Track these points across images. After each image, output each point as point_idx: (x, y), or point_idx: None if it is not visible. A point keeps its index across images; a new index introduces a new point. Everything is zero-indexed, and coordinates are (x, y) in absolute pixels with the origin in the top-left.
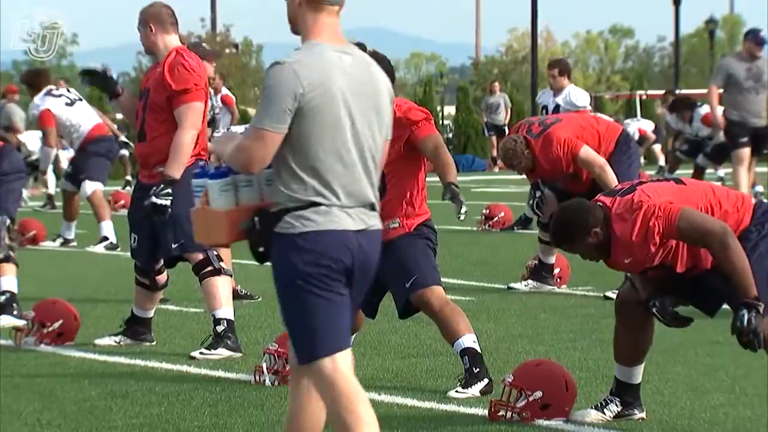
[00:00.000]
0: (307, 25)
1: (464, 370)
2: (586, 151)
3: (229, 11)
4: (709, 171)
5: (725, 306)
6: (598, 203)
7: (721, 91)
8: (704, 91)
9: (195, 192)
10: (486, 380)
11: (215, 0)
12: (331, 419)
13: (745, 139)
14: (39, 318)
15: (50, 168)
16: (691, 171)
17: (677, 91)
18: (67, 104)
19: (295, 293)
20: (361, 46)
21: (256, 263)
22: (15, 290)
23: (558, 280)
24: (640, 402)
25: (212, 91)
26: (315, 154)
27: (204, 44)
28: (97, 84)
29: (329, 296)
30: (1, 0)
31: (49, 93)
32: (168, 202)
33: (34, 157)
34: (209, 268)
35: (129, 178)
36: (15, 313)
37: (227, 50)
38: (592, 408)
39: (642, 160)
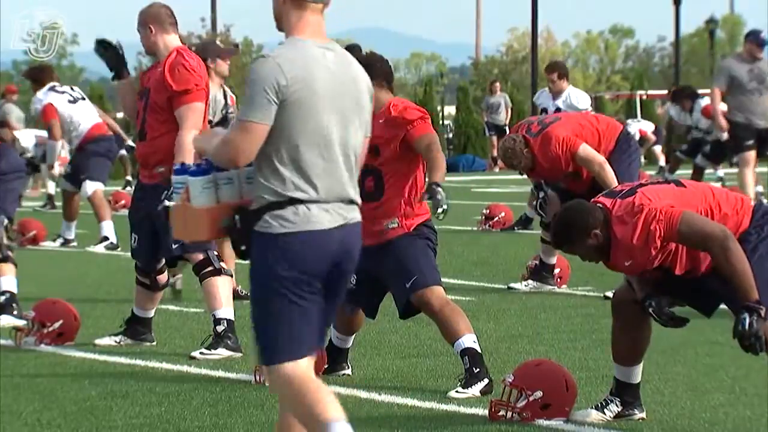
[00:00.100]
0: (291, 22)
1: (464, 370)
2: (585, 149)
3: (229, 11)
4: (708, 171)
5: (724, 306)
6: (599, 205)
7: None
8: (705, 91)
9: (175, 188)
10: (486, 380)
11: (215, 0)
12: (301, 421)
13: (750, 142)
14: (39, 318)
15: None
16: (691, 171)
17: None
18: (69, 101)
19: (268, 295)
20: (357, 48)
21: None
22: (15, 290)
23: (558, 280)
24: (640, 402)
25: (228, 90)
26: (296, 148)
27: (219, 42)
28: (109, 58)
29: (301, 302)
30: (1, 0)
31: (52, 89)
32: None
33: (28, 155)
34: (209, 268)
35: (129, 178)
36: (15, 313)
37: None
38: (592, 408)
39: (642, 161)
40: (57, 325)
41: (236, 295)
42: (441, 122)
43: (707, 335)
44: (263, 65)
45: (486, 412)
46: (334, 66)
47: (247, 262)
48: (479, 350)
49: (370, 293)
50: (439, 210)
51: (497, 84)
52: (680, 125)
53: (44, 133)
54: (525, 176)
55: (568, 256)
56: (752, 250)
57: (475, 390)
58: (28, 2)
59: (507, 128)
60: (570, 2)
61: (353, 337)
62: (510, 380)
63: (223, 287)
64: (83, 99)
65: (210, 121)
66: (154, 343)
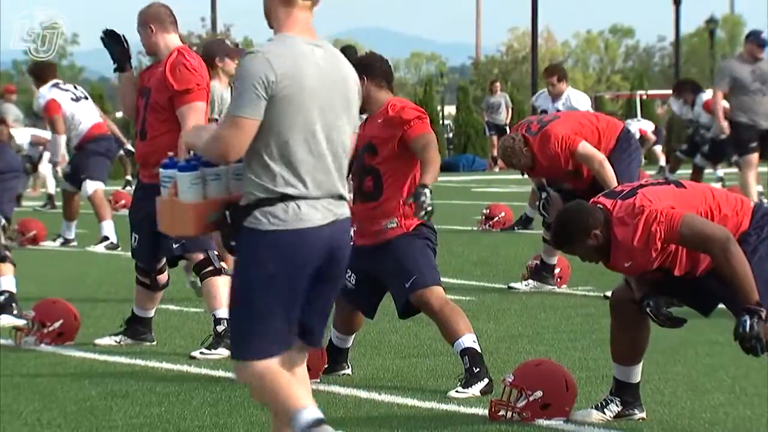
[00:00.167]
0: (280, 19)
1: (464, 370)
2: (584, 146)
3: (229, 11)
4: (708, 171)
5: (723, 306)
6: (599, 205)
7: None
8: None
9: (163, 182)
10: (486, 380)
11: (215, 0)
12: (272, 410)
13: (755, 144)
14: (39, 318)
15: (50, 168)
16: (690, 171)
17: None
18: (72, 99)
19: (251, 291)
20: (351, 50)
21: None
22: (13, 290)
23: (558, 280)
24: (640, 402)
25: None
26: (286, 144)
27: (228, 41)
28: (113, 49)
29: (283, 300)
30: (1, 0)
31: (56, 85)
32: None
33: (23, 153)
34: (210, 268)
35: (129, 177)
36: (14, 312)
37: None
38: (592, 408)
39: (642, 160)
40: (57, 324)
41: None
42: (441, 122)
43: (707, 335)
44: (253, 61)
45: (486, 411)
46: (322, 62)
47: None
48: (479, 350)
49: (369, 293)
50: (422, 213)
51: (497, 84)
52: (681, 124)
53: (40, 133)
54: (525, 176)
55: (568, 256)
56: (752, 251)
57: (475, 390)
58: (28, 2)
59: (507, 128)
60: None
61: (353, 336)
62: (510, 380)
63: (223, 287)
64: (86, 98)
65: (215, 120)
66: (154, 343)
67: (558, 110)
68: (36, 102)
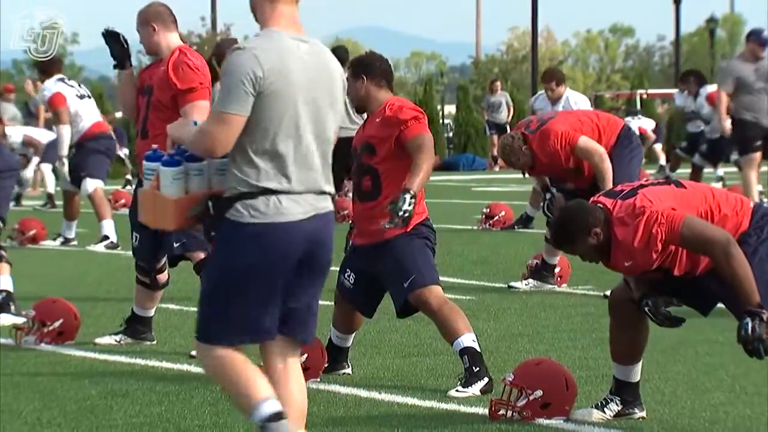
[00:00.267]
0: (266, 14)
1: (464, 369)
2: (585, 141)
3: (229, 10)
4: (709, 170)
5: (723, 305)
6: (599, 205)
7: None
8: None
9: (146, 174)
10: (486, 379)
11: None
12: (232, 400)
13: (759, 143)
14: (39, 317)
15: (49, 168)
16: (690, 170)
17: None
18: (77, 96)
19: (226, 280)
20: (342, 50)
21: None
22: (11, 289)
23: (558, 279)
24: (640, 401)
25: None
26: (272, 139)
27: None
28: (113, 47)
29: (256, 293)
30: (1, 0)
31: (62, 80)
32: None
33: (15, 151)
34: None
35: (129, 177)
36: (13, 311)
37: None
38: (592, 407)
39: (642, 158)
40: (57, 324)
41: None
42: (441, 121)
43: (707, 334)
44: (240, 57)
45: (486, 411)
46: (308, 57)
47: None
48: (479, 349)
49: (368, 293)
50: (395, 220)
51: (498, 83)
52: (681, 123)
53: (33, 133)
54: (527, 176)
55: (568, 255)
56: (752, 253)
57: (475, 389)
58: (28, 2)
59: (508, 127)
60: (570, 1)
61: (353, 335)
62: (510, 379)
63: None
64: (89, 97)
65: None
66: (154, 342)
67: None
68: (41, 94)
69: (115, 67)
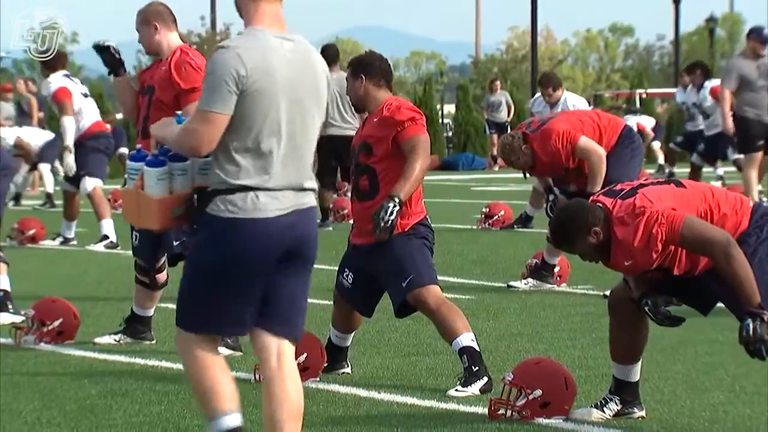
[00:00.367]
0: (249, 13)
1: (463, 369)
2: (586, 141)
3: (229, 10)
4: (709, 169)
5: (722, 304)
6: (598, 204)
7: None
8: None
9: (130, 174)
10: (485, 378)
11: None
12: (194, 395)
13: (761, 142)
14: (39, 316)
15: (48, 167)
16: (689, 169)
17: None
18: (82, 94)
19: (203, 272)
20: (332, 49)
21: None
22: (8, 288)
23: (558, 278)
24: (639, 400)
25: None
26: (254, 137)
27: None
28: (105, 59)
29: (232, 287)
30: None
31: (67, 76)
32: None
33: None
34: None
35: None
36: (11, 310)
37: None
38: (591, 406)
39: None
40: (57, 323)
41: None
42: (441, 121)
43: (707, 333)
44: (223, 56)
45: (485, 410)
46: (291, 55)
47: None
48: (478, 348)
49: (367, 293)
50: (376, 231)
51: (497, 82)
52: (681, 121)
53: (27, 135)
54: (527, 176)
55: (568, 255)
56: (752, 253)
57: (475, 388)
58: (28, 2)
59: (508, 126)
60: (570, 1)
61: (352, 335)
62: (509, 379)
63: None
64: (90, 97)
65: None
66: (154, 342)
67: None
68: (47, 86)
69: (109, 73)
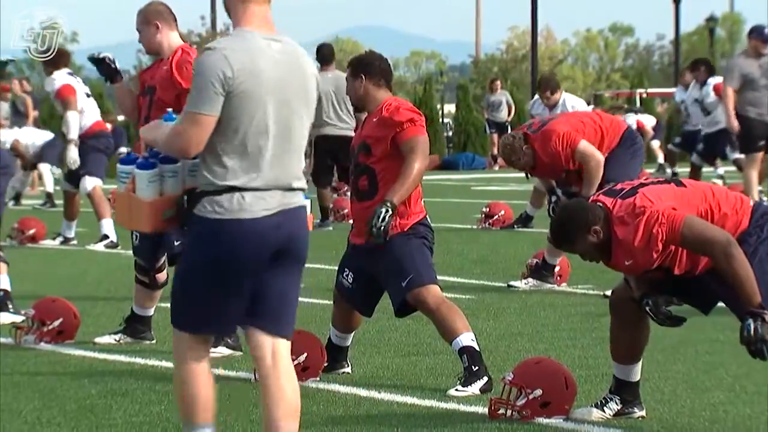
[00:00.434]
0: (238, 14)
1: (463, 369)
2: (585, 145)
3: None
4: (709, 169)
5: (722, 304)
6: (598, 203)
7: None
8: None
9: (121, 177)
10: (485, 378)
11: None
12: (175, 390)
13: (763, 143)
14: (39, 316)
15: (47, 167)
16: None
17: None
18: (86, 94)
19: (192, 272)
20: (327, 48)
21: None
22: (8, 288)
23: (558, 278)
24: (639, 400)
25: None
26: (241, 138)
27: None
28: (101, 69)
29: (218, 286)
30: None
31: (71, 74)
32: None
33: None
34: None
35: None
36: (11, 309)
37: None
38: (592, 406)
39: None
40: (57, 323)
41: None
42: (441, 120)
43: (707, 333)
44: (210, 57)
45: (486, 410)
46: (279, 56)
47: None
48: (478, 348)
49: (367, 292)
50: (369, 237)
51: (498, 82)
52: (680, 123)
53: (23, 137)
54: (529, 177)
55: (568, 255)
56: (752, 253)
57: (475, 388)
58: (28, 2)
59: (508, 126)
60: (570, 0)
61: (352, 335)
62: (510, 378)
63: None
64: (91, 97)
65: None
66: (154, 342)
67: None
68: (50, 85)
69: (105, 80)
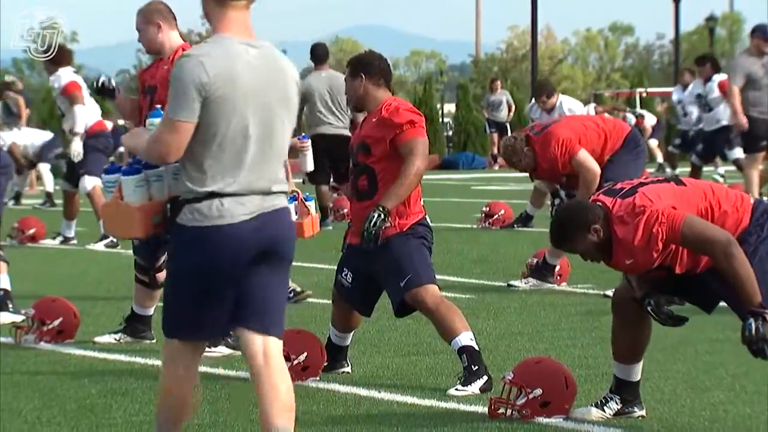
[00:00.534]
0: (216, 20)
1: (463, 368)
2: (584, 156)
3: None
4: (709, 168)
5: (723, 303)
6: (598, 203)
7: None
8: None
9: (108, 187)
10: (485, 378)
11: None
12: (159, 393)
13: (765, 143)
14: (39, 316)
15: (47, 167)
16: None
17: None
18: (89, 93)
19: (178, 279)
20: (321, 48)
21: None
22: (8, 287)
23: (558, 277)
24: (639, 400)
25: None
26: (219, 143)
27: None
28: (102, 93)
29: (202, 294)
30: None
31: (75, 72)
32: None
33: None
34: None
35: None
36: (11, 309)
37: None
38: (592, 406)
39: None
40: (57, 322)
41: None
42: (441, 120)
43: (707, 333)
44: (186, 64)
45: (485, 409)
46: (256, 61)
47: None
48: (477, 347)
49: (366, 292)
50: (364, 241)
51: (498, 81)
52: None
53: (21, 138)
54: (534, 181)
55: (568, 254)
56: (752, 252)
57: (475, 388)
58: (28, 2)
59: (508, 125)
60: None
61: (352, 334)
62: (509, 378)
63: None
64: (92, 97)
65: None
66: (154, 341)
67: None
68: (57, 81)
69: (104, 97)
